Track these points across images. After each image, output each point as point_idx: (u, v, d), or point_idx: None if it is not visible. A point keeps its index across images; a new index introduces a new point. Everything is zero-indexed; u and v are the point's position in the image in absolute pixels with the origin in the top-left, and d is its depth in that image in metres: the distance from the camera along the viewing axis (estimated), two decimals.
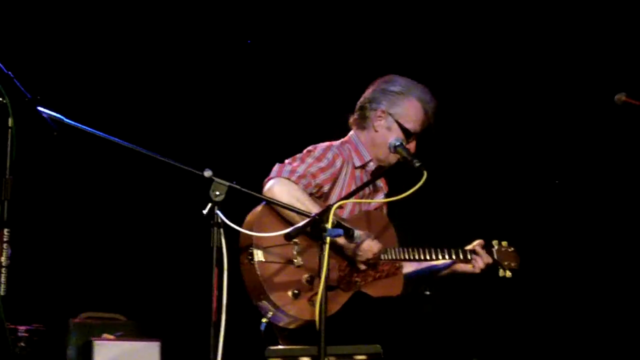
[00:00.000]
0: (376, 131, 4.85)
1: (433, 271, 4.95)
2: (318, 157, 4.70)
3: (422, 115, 4.83)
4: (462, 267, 4.91)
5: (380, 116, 4.83)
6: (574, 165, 6.53)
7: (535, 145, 6.64)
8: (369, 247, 4.57)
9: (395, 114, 4.81)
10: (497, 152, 6.70)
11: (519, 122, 6.65)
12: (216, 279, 3.92)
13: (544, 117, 6.59)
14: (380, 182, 4.96)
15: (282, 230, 4.24)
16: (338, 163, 4.73)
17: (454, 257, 4.87)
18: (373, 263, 4.61)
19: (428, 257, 4.79)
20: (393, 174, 4.83)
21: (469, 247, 4.92)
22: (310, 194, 4.63)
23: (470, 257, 4.89)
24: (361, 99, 4.91)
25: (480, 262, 4.89)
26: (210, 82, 6.81)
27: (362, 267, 4.60)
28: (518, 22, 6.58)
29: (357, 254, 4.57)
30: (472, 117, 6.64)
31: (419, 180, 4.31)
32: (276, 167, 4.66)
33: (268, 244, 4.42)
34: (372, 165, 4.87)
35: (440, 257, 4.84)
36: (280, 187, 4.54)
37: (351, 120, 4.94)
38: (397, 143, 4.69)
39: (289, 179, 4.58)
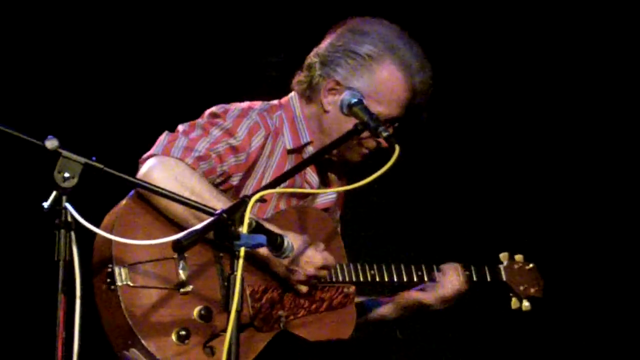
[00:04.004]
0: (326, 111, 3.72)
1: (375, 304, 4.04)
2: (229, 129, 3.66)
3: (404, 92, 3.67)
4: (416, 296, 3.96)
5: (333, 89, 3.69)
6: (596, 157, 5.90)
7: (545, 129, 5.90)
8: (309, 258, 3.61)
9: (358, 90, 3.66)
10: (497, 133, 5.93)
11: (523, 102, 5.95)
12: (62, 311, 3.13)
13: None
14: (334, 175, 3.95)
15: (163, 237, 3.26)
16: (256, 141, 3.69)
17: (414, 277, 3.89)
18: (314, 283, 3.66)
19: (395, 278, 3.79)
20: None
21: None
22: (215, 185, 3.68)
23: (435, 276, 3.94)
24: (312, 53, 3.78)
25: (449, 285, 3.89)
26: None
27: (302, 289, 3.64)
28: None
29: (292, 272, 3.61)
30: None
31: (389, 159, 3.28)
32: (162, 137, 3.65)
33: (137, 258, 3.52)
34: (311, 150, 3.81)
35: (406, 277, 3.83)
36: (164, 172, 3.53)
37: (295, 80, 3.82)
38: (354, 100, 3.49)
39: (181, 159, 3.58)
